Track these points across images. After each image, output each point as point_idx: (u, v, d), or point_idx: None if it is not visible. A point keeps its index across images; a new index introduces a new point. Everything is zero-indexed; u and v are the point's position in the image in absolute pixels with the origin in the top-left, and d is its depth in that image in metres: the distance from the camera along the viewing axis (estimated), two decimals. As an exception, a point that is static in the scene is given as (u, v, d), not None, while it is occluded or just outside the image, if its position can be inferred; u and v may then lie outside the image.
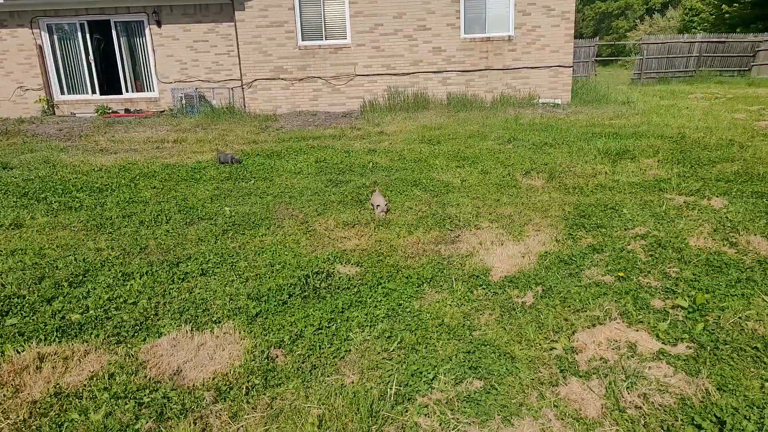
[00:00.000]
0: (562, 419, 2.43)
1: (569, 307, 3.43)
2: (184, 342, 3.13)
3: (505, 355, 2.93)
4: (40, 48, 14.54)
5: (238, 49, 14.02)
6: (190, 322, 3.38)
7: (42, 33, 14.55)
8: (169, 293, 3.83)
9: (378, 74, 14.18)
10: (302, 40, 13.94)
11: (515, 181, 6.65)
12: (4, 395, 2.64)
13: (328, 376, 2.82)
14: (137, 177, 7.48)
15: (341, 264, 4.31)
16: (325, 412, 2.49)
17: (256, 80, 14.14)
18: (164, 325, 3.35)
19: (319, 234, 5.07)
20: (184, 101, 14.24)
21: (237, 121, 12.78)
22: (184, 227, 5.34)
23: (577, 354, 2.93)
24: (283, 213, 5.76)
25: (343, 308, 3.55)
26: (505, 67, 13.99)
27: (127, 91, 15.09)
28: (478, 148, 8.59)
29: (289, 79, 14.16)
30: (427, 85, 14.19)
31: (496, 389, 2.65)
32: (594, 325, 3.19)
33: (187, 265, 4.32)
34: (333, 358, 2.99)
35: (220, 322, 3.40)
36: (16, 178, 7.46)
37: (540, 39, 13.75)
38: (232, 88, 14.58)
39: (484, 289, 3.79)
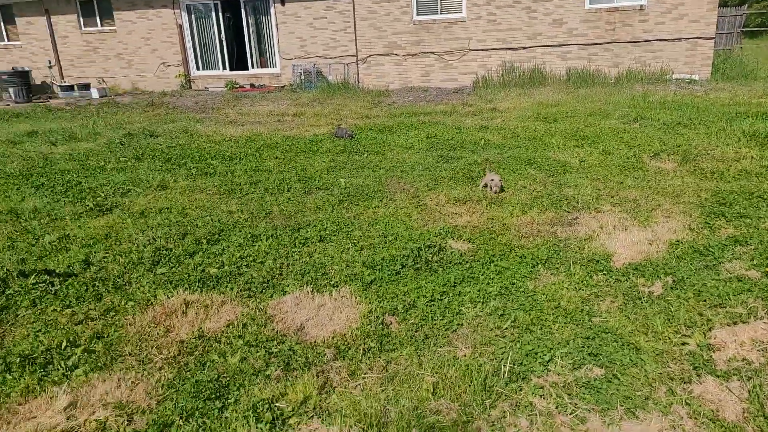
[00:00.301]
0: (696, 418, 2.28)
1: (705, 301, 3.17)
2: (306, 301, 3.34)
3: (628, 345, 2.79)
4: (180, 27, 15.87)
5: (354, 25, 14.29)
6: (310, 284, 3.58)
7: (182, 13, 15.84)
8: (292, 256, 4.08)
9: (492, 49, 13.78)
10: (417, 14, 13.88)
11: (642, 163, 6.20)
12: (158, 333, 3.01)
13: (441, 347, 2.87)
14: (261, 148, 7.98)
15: (453, 239, 4.32)
16: (438, 381, 2.54)
17: (370, 56, 14.37)
18: (288, 285, 3.59)
19: (430, 209, 5.11)
20: (302, 77, 14.86)
21: (351, 96, 13.11)
22: (303, 196, 5.63)
23: (713, 352, 2.71)
24: (395, 186, 5.86)
25: (455, 282, 3.56)
26: (633, 40, 12.94)
27: (252, 67, 16.05)
28: (600, 126, 8.09)
29: (403, 54, 14.21)
30: (544, 59, 13.56)
31: (618, 379, 2.54)
32: (735, 323, 2.92)
33: (307, 231, 4.57)
34: (445, 330, 3.03)
35: (337, 286, 3.57)
36: (160, 145, 8.29)
37: (677, 8, 12.52)
38: (347, 64, 14.94)
39: (604, 275, 3.62)
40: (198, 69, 16.44)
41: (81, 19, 16.87)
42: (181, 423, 2.29)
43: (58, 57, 17.30)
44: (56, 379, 2.63)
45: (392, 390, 2.49)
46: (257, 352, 2.80)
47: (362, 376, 2.63)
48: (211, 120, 10.67)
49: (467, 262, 3.88)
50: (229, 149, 7.92)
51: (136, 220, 4.99)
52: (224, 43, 16.06)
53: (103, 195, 5.78)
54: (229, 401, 2.43)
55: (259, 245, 4.26)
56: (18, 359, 2.76)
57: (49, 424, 2.26)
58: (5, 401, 2.46)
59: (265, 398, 2.42)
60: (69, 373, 2.68)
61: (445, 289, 3.47)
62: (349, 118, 10.32)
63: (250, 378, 2.58)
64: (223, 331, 3.02)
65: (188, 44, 16.11)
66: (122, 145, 8.46)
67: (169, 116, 11.26)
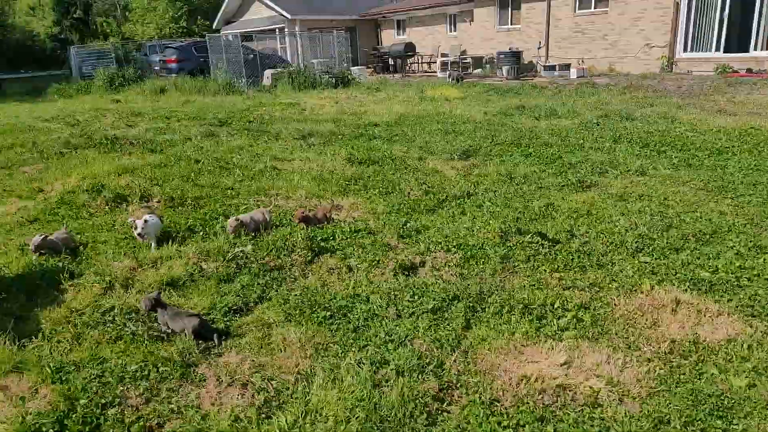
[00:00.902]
0: None
1: None
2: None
3: None
4: (677, 5, 14.84)
5: None
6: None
7: (681, -10, 14.75)
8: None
9: None
10: None
11: None
12: (645, 323, 2.93)
13: None
14: (762, 143, 6.74)
15: None
16: None
17: None
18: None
19: None
20: (829, 59, 11.70)
21: None
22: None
23: None
24: None
25: None
26: None
27: (755, 49, 13.65)
28: None
29: None
30: None
31: None
32: None
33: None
34: None
35: None
36: (637, 129, 8.08)
37: None
38: None
39: None
40: (684, 51, 15.12)
41: (577, 2, 17.88)
42: (678, 427, 2.16)
43: (548, 39, 18.97)
44: (550, 333, 2.90)
45: None
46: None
47: None
48: (696, 107, 9.69)
49: None
50: (717, 141, 7.03)
51: (615, 202, 5.00)
52: (724, 22, 14.15)
53: (582, 172, 6.04)
54: (735, 427, 2.15)
55: (766, 258, 3.60)
56: (519, 305, 3.18)
57: (549, 375, 2.51)
58: (510, 338, 2.87)
59: (785, 444, 2.03)
60: (560, 333, 2.91)
61: None
62: None
63: (760, 411, 2.22)
64: (721, 345, 2.69)
65: (681, 24, 14.93)
66: (598, 125, 8.64)
67: (648, 100, 10.83)
